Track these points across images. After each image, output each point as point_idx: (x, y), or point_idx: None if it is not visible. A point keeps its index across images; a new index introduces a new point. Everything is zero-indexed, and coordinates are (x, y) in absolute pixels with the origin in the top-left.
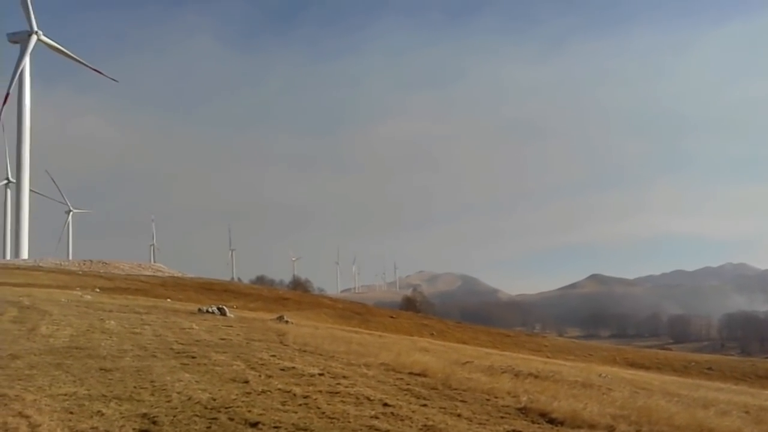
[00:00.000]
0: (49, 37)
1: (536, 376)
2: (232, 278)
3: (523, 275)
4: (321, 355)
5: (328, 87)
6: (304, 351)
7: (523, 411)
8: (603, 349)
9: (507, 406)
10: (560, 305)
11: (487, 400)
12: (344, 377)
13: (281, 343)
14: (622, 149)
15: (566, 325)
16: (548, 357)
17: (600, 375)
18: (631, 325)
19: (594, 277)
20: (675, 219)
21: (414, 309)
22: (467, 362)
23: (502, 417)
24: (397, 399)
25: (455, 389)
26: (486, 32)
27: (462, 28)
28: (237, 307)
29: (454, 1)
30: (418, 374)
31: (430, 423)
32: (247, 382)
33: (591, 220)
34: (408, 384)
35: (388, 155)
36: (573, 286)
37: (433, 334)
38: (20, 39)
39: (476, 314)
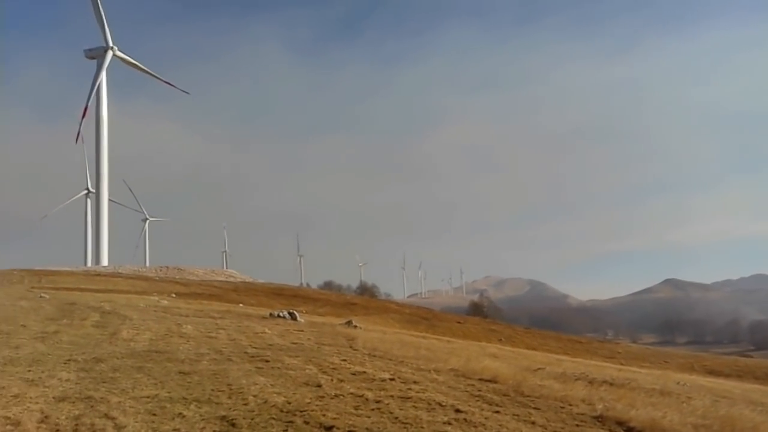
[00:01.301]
0: (123, 52)
1: (611, 384)
2: (301, 283)
3: (594, 280)
4: (390, 360)
5: (393, 92)
6: (374, 356)
7: (600, 419)
8: (679, 356)
9: (582, 414)
10: (633, 311)
11: (561, 407)
12: (415, 382)
13: (351, 347)
14: (697, 149)
15: (640, 331)
16: (622, 364)
17: (678, 383)
18: (708, 331)
19: (669, 282)
20: (754, 221)
21: (481, 314)
22: (538, 369)
23: (577, 425)
24: (469, 405)
25: (528, 396)
26: (553, 33)
27: (529, 29)
28: (306, 312)
29: (521, 1)
30: (489, 380)
31: (504, 430)
32: (320, 386)
33: (664, 223)
34: (479, 390)
35: (453, 159)
36: (647, 291)
37: (501, 339)
38: (97, 55)
39: (545, 320)
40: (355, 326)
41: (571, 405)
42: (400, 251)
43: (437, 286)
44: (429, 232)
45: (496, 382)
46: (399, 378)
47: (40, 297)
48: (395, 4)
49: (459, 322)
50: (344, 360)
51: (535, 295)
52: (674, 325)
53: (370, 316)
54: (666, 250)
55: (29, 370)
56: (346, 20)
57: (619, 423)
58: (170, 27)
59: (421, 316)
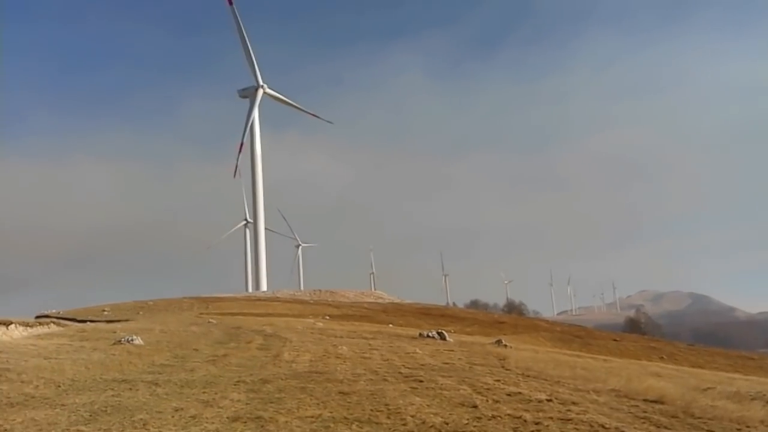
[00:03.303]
0: (272, 89)
1: None
2: (447, 303)
3: (764, 291)
4: (546, 380)
5: (535, 106)
6: (528, 376)
7: None
8: None
9: None
10: None
11: (738, 429)
12: (574, 403)
13: (503, 367)
14: None
15: None
16: None
17: None
18: None
19: None
20: None
21: (639, 331)
22: (708, 388)
23: None
24: (635, 427)
25: (699, 418)
26: (704, 29)
27: (675, 28)
28: (455, 331)
29: (662, 2)
30: (654, 401)
31: None
32: (475, 407)
33: None
34: (644, 411)
35: (598, 170)
36: None
37: (662, 357)
38: (249, 94)
39: (710, 335)
40: (506, 345)
41: (749, 427)
42: (546, 267)
43: (588, 303)
44: (576, 247)
45: (662, 403)
46: (557, 399)
47: (209, 322)
48: (533, 18)
49: (615, 340)
50: (498, 380)
51: (698, 309)
52: None
53: (519, 334)
54: None
55: (204, 392)
56: (484, 39)
57: None
58: (315, 63)
59: (574, 334)
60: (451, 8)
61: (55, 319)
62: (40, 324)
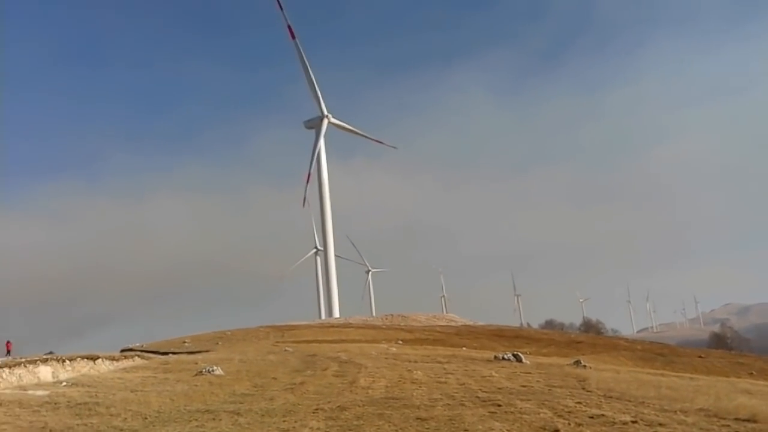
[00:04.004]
0: (337, 118)
1: None
2: (521, 324)
3: None
4: (629, 401)
5: (601, 117)
6: (610, 397)
7: None
8: None
9: None
10: None
11: None
12: (661, 425)
13: (584, 388)
14: None
15: None
16: None
17: None
18: None
19: None
20: None
21: (725, 346)
22: None
23: None
24: None
25: None
26: None
27: (743, 30)
28: (530, 353)
29: (730, 1)
30: (746, 420)
31: None
32: (557, 431)
33: None
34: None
35: (673, 179)
36: None
37: (752, 373)
38: (314, 124)
39: None
40: (585, 366)
41: None
42: (623, 284)
43: (669, 319)
44: (653, 261)
45: (755, 422)
46: (642, 420)
47: (285, 350)
48: (595, 28)
49: (701, 357)
50: (579, 402)
51: None
52: None
53: (598, 354)
54: None
55: (284, 420)
56: (545, 53)
57: None
58: (377, 88)
59: (656, 352)
60: (510, 25)
61: (139, 352)
62: (126, 357)
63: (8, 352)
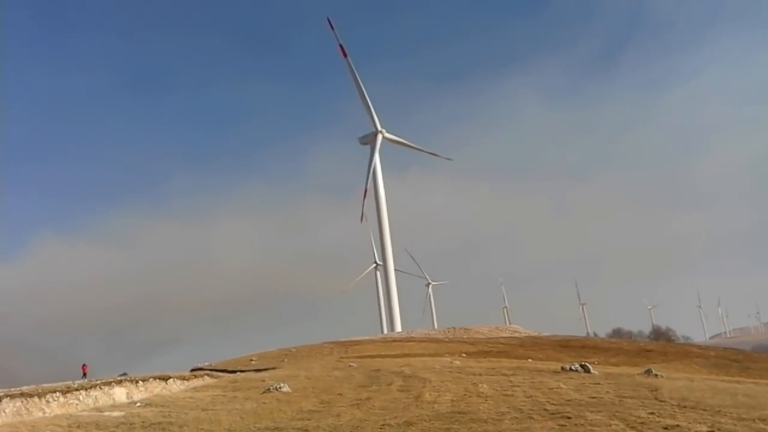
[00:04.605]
0: (391, 133)
1: None
2: (587, 333)
3: None
4: (705, 410)
5: (661, 118)
6: (684, 406)
7: None
8: None
9: None
10: None
11: None
12: None
13: (656, 398)
14: None
15: None
16: None
17: None
18: None
19: None
20: None
21: None
22: None
23: None
24: None
25: None
26: None
27: None
28: (598, 363)
29: None
30: None
31: None
32: None
33: None
34: None
35: (736, 179)
36: None
37: None
38: (369, 140)
39: None
40: (656, 375)
41: None
42: (692, 289)
43: (743, 323)
44: (723, 264)
45: None
46: (719, 430)
47: (349, 366)
48: (651, 27)
49: None
50: (652, 413)
51: None
52: None
53: (669, 362)
54: None
55: None
56: (600, 55)
57: None
58: (429, 100)
59: (730, 359)
60: (561, 28)
61: (208, 371)
62: (196, 377)
63: (84, 374)
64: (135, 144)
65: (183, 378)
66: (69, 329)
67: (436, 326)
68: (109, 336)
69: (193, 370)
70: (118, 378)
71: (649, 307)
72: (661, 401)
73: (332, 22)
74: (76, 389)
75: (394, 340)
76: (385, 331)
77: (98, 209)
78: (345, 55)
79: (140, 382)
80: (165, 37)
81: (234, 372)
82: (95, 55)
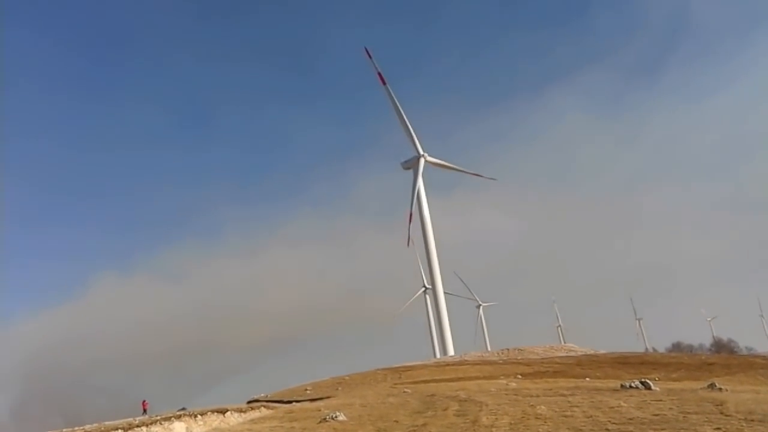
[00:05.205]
0: (433, 156)
1: None
2: (646, 348)
3: None
4: None
5: (710, 126)
6: (752, 420)
7: None
8: None
9: None
10: None
11: None
12: None
13: (722, 413)
14: None
15: None
16: None
17: None
18: None
19: None
20: None
21: None
22: None
23: None
24: None
25: None
26: None
27: None
28: (659, 379)
29: None
30: None
31: None
32: None
33: None
34: None
35: None
36: None
37: None
38: (411, 164)
39: None
40: (720, 389)
41: None
42: (753, 298)
43: None
44: None
45: None
46: None
47: (404, 392)
48: (695, 34)
49: None
50: (718, 428)
51: None
52: None
53: (733, 375)
54: None
55: None
56: (643, 66)
57: None
58: (472, 121)
59: None
60: (603, 42)
61: (264, 403)
62: (252, 409)
63: (144, 410)
64: (187, 179)
65: (240, 410)
66: (129, 366)
67: (489, 348)
68: (168, 371)
69: (249, 402)
70: (178, 413)
71: (709, 319)
72: (727, 416)
73: (369, 52)
74: (137, 425)
75: (448, 364)
76: (438, 355)
77: (154, 246)
78: (384, 82)
79: (199, 416)
80: (210, 69)
81: (290, 402)
82: (145, 88)
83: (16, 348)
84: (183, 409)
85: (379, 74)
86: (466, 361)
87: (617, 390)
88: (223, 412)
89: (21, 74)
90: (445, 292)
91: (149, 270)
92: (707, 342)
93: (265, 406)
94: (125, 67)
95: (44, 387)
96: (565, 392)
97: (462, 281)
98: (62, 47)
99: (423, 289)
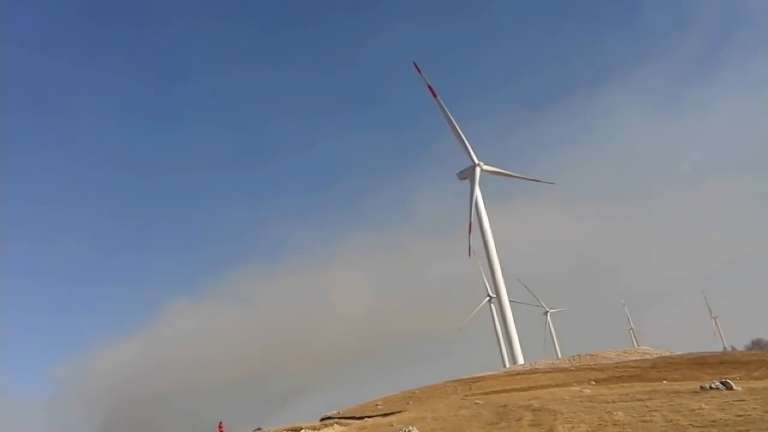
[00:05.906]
0: (489, 164)
1: None
2: (724, 347)
3: None
4: None
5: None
6: None
7: None
8: None
9: None
10: None
11: None
12: None
13: None
14: None
15: None
16: None
17: None
18: None
19: None
20: None
21: None
22: None
23: None
24: None
25: None
26: None
27: None
28: (740, 378)
29: None
30: None
31: None
32: None
33: None
34: None
35: None
36: None
37: None
38: (467, 174)
39: None
40: None
41: None
42: None
43: None
44: None
45: None
46: None
47: (476, 403)
48: (751, 21)
49: None
50: None
51: None
52: None
53: None
54: None
55: None
56: (701, 56)
57: None
58: (526, 126)
59: None
60: (657, 35)
61: (337, 419)
62: (326, 425)
63: None
64: (245, 198)
65: (314, 428)
66: (204, 390)
67: (559, 355)
68: (242, 393)
69: (322, 420)
70: None
71: None
72: None
73: (418, 66)
74: None
75: (518, 373)
76: (507, 364)
77: (220, 267)
78: (434, 95)
79: None
80: (261, 82)
81: (361, 418)
82: (199, 108)
83: (102, 376)
84: (258, 429)
85: (429, 87)
86: (537, 369)
87: (697, 392)
88: (297, 430)
89: (86, 107)
90: (510, 301)
91: (217, 293)
92: None
93: (338, 423)
94: (179, 90)
95: (126, 413)
96: (643, 396)
97: (527, 288)
98: (128, 77)
99: (488, 298)
